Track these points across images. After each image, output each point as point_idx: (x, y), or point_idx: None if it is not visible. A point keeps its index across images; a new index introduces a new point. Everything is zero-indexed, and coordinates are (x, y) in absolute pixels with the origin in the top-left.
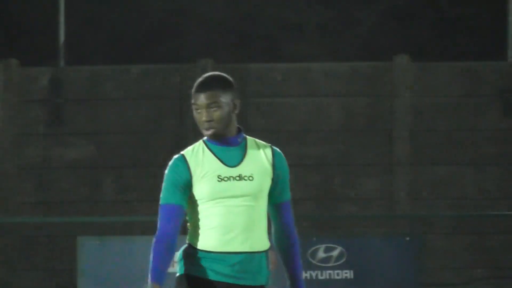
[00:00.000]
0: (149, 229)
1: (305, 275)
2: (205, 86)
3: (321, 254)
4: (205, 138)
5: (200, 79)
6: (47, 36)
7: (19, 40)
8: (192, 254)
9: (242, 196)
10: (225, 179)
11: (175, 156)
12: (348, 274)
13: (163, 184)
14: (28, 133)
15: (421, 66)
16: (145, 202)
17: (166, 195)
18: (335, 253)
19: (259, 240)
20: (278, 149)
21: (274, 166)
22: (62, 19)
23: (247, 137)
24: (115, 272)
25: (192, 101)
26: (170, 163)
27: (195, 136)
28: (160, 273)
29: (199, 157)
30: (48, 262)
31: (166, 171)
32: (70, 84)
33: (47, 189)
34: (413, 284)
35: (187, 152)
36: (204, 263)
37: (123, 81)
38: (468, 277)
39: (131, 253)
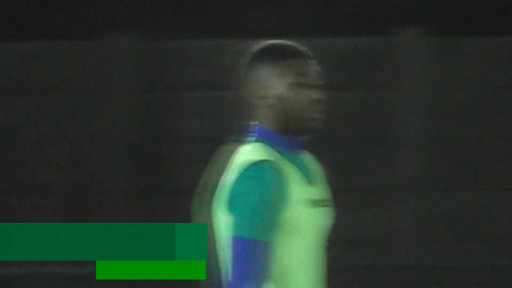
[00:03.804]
0: None
1: None
2: (309, 54)
3: None
4: (254, 135)
5: (293, 44)
6: None
7: None
8: None
9: (325, 229)
10: (315, 203)
11: (263, 163)
12: None
13: (249, 207)
14: None
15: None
16: None
17: (260, 226)
18: None
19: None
20: None
21: None
22: None
23: None
24: None
25: (297, 72)
26: (257, 172)
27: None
28: None
29: (285, 167)
30: None
31: (253, 186)
32: None
33: None
34: None
35: (275, 158)
36: None
37: None
38: None
39: None
